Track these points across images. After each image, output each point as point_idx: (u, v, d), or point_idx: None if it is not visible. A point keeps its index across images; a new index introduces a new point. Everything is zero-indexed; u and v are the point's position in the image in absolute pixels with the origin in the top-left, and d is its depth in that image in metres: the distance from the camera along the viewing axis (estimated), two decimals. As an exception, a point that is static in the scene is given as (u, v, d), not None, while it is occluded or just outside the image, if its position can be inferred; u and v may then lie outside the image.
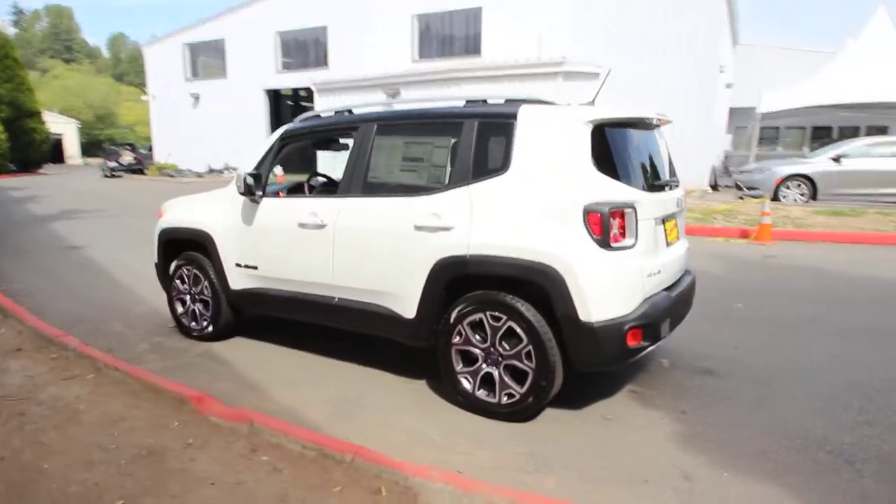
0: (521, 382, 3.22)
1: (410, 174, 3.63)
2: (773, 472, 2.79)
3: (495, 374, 3.29)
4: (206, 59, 27.28)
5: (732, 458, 2.92)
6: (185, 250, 4.73)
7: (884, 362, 4.15)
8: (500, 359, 3.27)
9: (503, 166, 3.25)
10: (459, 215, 3.30)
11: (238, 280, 4.36)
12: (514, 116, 3.26)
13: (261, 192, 4.13)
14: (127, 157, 27.98)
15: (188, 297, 4.75)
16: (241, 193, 4.11)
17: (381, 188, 3.72)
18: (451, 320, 3.37)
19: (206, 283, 4.57)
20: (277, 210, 4.12)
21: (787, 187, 12.60)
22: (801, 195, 12.51)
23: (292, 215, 3.98)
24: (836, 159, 12.36)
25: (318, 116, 4.22)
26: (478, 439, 3.11)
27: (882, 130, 24.95)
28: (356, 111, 4.02)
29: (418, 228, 3.42)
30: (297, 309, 4.12)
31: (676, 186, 3.74)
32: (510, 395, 3.25)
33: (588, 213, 3.00)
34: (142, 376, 3.67)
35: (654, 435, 3.17)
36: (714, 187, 17.96)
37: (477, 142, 3.34)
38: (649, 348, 3.19)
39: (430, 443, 3.08)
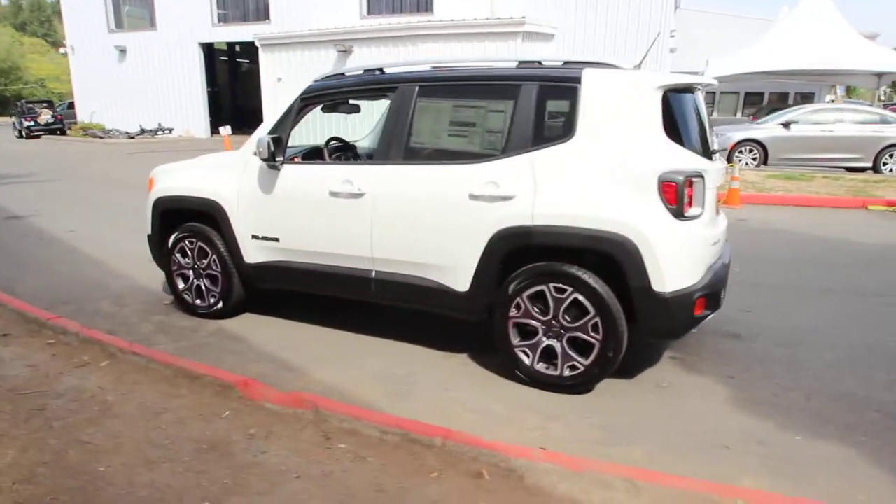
0: (585, 354, 3.18)
1: (460, 139, 3.44)
2: (837, 434, 2.90)
3: (557, 346, 3.23)
4: (133, 8, 25.09)
5: (794, 421, 3.01)
6: (186, 221, 4.35)
7: (890, 323, 4.40)
8: (562, 331, 3.21)
9: (568, 133, 3.13)
10: (521, 184, 3.16)
11: (255, 253, 4.06)
12: (577, 80, 3.12)
13: (281, 158, 3.81)
14: (45, 116, 25.58)
15: (191, 273, 4.39)
16: (263, 159, 3.78)
17: (427, 154, 3.51)
18: (510, 293, 3.27)
19: (214, 257, 4.23)
20: (303, 177, 3.83)
21: (741, 152, 13.11)
22: (753, 159, 13.06)
23: (322, 183, 3.71)
24: (786, 125, 12.94)
25: (343, 75, 3.92)
26: (545, 413, 3.07)
27: (809, 97, 26.41)
28: (389, 70, 3.75)
29: (474, 198, 3.26)
30: (325, 283, 3.89)
31: (718, 155, 3.74)
32: (573, 368, 3.21)
33: (663, 182, 2.94)
34: (172, 361, 3.38)
35: (713, 401, 3.23)
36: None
37: (537, 106, 3.19)
38: (710, 316, 3.22)
39: (499, 419, 3.01)
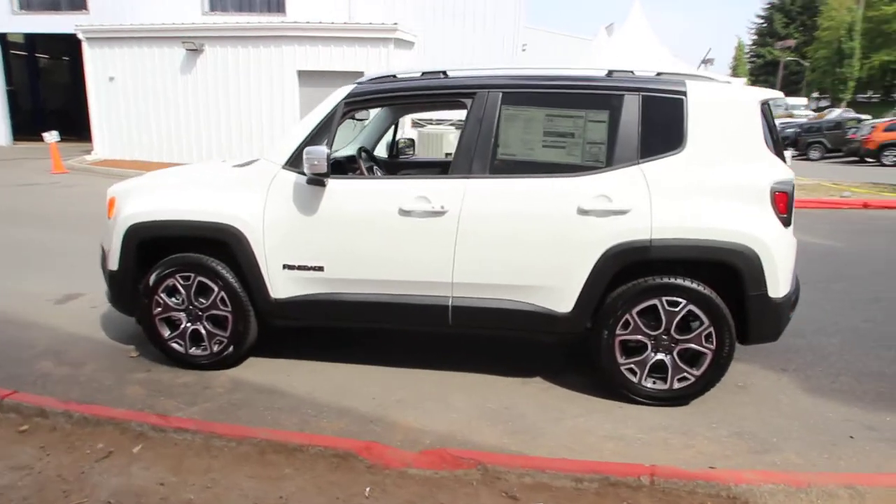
0: (695, 365, 3.18)
1: (557, 151, 3.21)
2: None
3: (667, 360, 3.18)
4: None
5: (870, 402, 3.32)
6: (176, 251, 3.48)
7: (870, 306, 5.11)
8: (672, 344, 3.17)
9: (677, 144, 3.09)
10: (635, 197, 3.05)
11: (286, 286, 3.38)
12: (682, 93, 3.11)
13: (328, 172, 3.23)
14: None
15: (184, 315, 3.53)
16: (317, 175, 3.16)
17: (518, 167, 3.21)
18: (618, 310, 3.14)
19: (221, 294, 3.44)
20: (360, 194, 3.28)
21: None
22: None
23: (388, 201, 3.22)
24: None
25: (395, 77, 3.44)
26: (677, 430, 3.00)
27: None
28: (454, 74, 3.37)
29: (583, 213, 3.07)
30: (382, 317, 3.38)
31: None
32: (684, 379, 3.19)
33: (776, 192, 3.05)
34: (246, 434, 2.64)
35: (795, 395, 3.43)
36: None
37: (643, 117, 3.11)
38: (789, 318, 3.42)
39: (642, 443, 2.87)
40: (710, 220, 3.02)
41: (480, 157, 3.20)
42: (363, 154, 3.98)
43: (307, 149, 3.14)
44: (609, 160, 3.14)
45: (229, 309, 3.47)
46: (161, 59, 15.14)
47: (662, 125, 3.13)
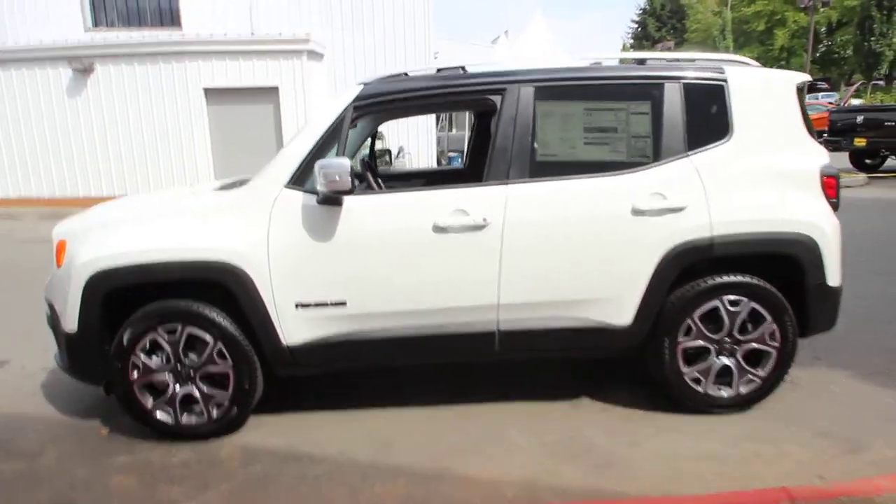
0: (760, 365, 3.00)
1: (600, 148, 2.91)
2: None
3: (731, 364, 2.98)
4: None
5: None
6: (152, 300, 2.85)
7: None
8: (735, 346, 2.97)
9: (724, 133, 2.90)
10: (690, 192, 2.83)
11: (301, 329, 2.85)
12: (723, 79, 2.93)
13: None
14: None
15: (170, 377, 2.89)
16: (337, 192, 2.66)
17: (560, 168, 2.89)
18: (678, 316, 2.90)
19: (217, 347, 2.85)
20: (383, 212, 2.82)
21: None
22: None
23: (418, 217, 2.79)
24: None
25: (407, 75, 3.01)
26: (760, 439, 2.79)
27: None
28: (473, 69, 2.99)
29: (638, 213, 2.80)
30: (419, 351, 2.94)
31: None
32: (750, 382, 3.00)
33: (825, 177, 2.93)
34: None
35: (848, 382, 3.34)
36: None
37: (686, 107, 2.89)
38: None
39: (737, 459, 2.63)
40: (768, 211, 2.85)
41: (518, 159, 2.84)
42: (367, 166, 3.50)
43: (321, 162, 2.64)
44: (656, 154, 2.89)
45: (229, 363, 2.87)
46: (44, 83, 13.54)
47: (707, 114, 2.94)
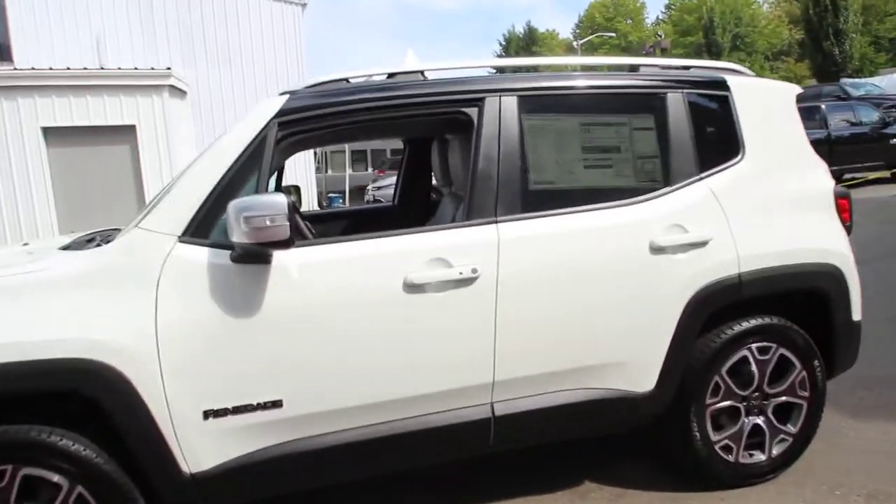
0: (791, 421, 2.53)
1: (603, 172, 2.31)
2: None
3: (762, 423, 2.48)
4: None
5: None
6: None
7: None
8: (765, 401, 2.48)
9: (735, 151, 2.45)
10: (712, 221, 2.32)
11: (213, 446, 1.91)
12: (724, 86, 2.50)
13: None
14: None
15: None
16: (254, 247, 1.79)
17: (559, 198, 2.25)
18: (705, 373, 2.36)
19: (75, 493, 1.82)
20: (330, 269, 1.98)
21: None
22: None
23: (383, 272, 2.00)
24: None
25: (348, 81, 2.22)
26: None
27: (402, 151, 30.62)
28: (433, 75, 2.29)
29: (657, 250, 2.24)
30: (388, 456, 2.10)
31: None
32: (782, 442, 2.51)
33: (838, 198, 2.58)
34: None
35: (859, 425, 2.96)
36: (322, 207, 18.51)
37: (694, 121, 2.41)
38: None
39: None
40: (793, 240, 2.43)
41: (508, 189, 2.17)
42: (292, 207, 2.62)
43: (239, 203, 1.77)
44: (667, 177, 2.37)
45: (101, 513, 1.84)
46: None
47: (715, 129, 2.49)
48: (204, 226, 1.95)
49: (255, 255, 1.88)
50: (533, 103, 2.27)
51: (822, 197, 2.55)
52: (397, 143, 30.78)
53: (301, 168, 16.48)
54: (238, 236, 1.79)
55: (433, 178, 3.52)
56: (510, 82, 2.25)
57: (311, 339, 1.94)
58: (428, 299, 2.03)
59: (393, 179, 17.11)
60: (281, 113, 2.06)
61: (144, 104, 12.71)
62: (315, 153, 20.50)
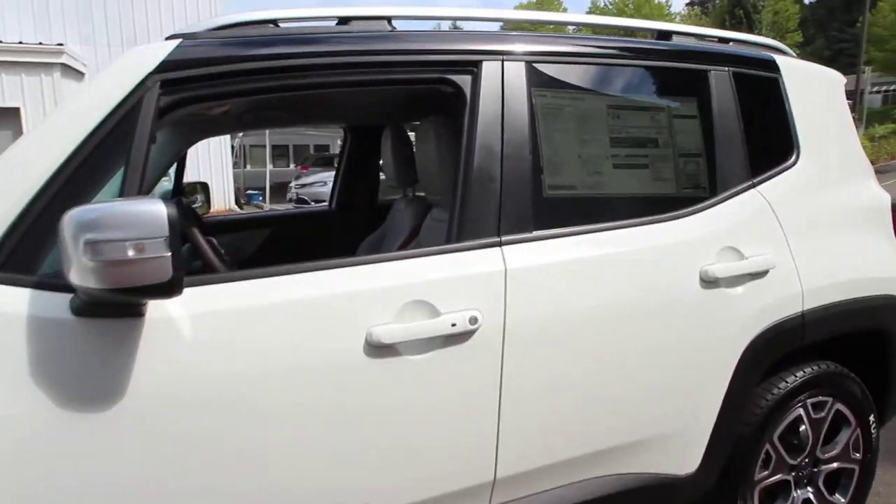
0: (840, 489, 2.02)
1: (637, 174, 1.68)
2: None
3: (812, 496, 1.96)
4: None
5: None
6: None
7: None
8: (815, 469, 1.96)
9: (788, 151, 1.90)
10: (771, 242, 1.76)
11: None
12: (774, 67, 1.94)
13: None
14: None
15: None
16: (109, 293, 1.00)
17: (581, 209, 1.59)
18: (752, 442, 1.80)
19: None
20: (249, 322, 1.22)
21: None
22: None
23: (332, 324, 1.27)
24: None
25: (276, 25, 1.45)
26: None
27: (325, 148, 29.43)
28: (400, 25, 1.56)
29: (709, 283, 1.63)
30: None
31: None
32: (835, 515, 2.01)
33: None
34: None
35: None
36: (241, 205, 17.18)
37: (742, 109, 1.83)
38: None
39: None
40: (855, 267, 1.91)
41: (515, 196, 1.49)
42: (188, 216, 1.76)
43: (81, 214, 0.99)
44: (713, 183, 1.77)
45: None
46: None
47: (765, 119, 1.92)
48: (24, 253, 1.14)
49: (112, 307, 1.10)
50: (549, 74, 1.60)
51: (879, 212, 2.05)
52: (321, 138, 29.43)
53: (216, 160, 15.20)
54: (79, 274, 1.00)
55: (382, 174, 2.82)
56: (519, 42, 1.57)
57: (210, 445, 1.18)
58: (402, 365, 1.31)
59: (318, 176, 16.20)
60: (164, 67, 1.26)
61: (31, 84, 11.09)
62: (232, 146, 19.06)
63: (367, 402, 1.29)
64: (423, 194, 2.25)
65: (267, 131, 17.09)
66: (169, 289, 1.01)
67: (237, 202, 16.98)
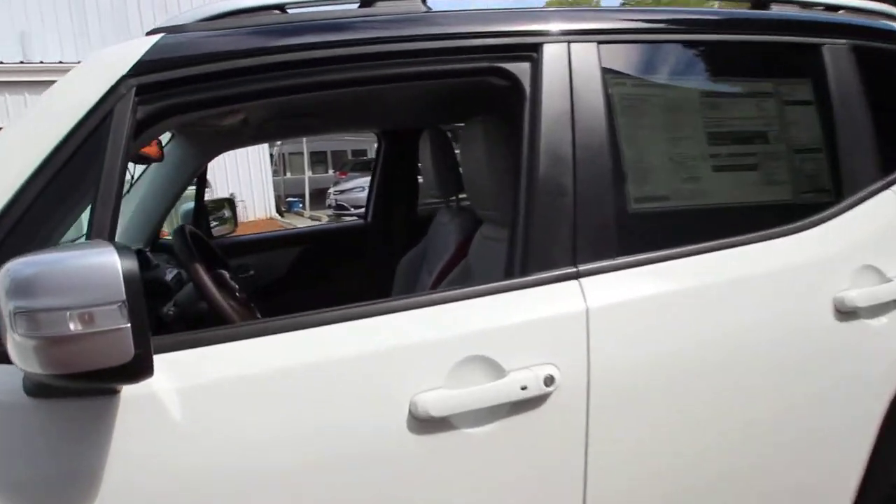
0: None
1: (743, 176, 1.34)
2: None
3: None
4: None
5: None
6: None
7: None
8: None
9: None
10: (914, 257, 1.38)
11: None
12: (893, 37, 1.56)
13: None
14: None
15: None
16: (59, 378, 0.73)
17: (676, 227, 1.26)
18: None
19: None
20: (243, 401, 0.93)
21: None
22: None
23: (364, 396, 0.97)
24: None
25: (284, 11, 1.16)
26: None
27: (363, 153, 29.44)
28: (436, 3, 1.26)
29: (846, 315, 1.27)
30: None
31: None
32: None
33: None
34: None
35: None
36: (282, 213, 17.27)
37: (866, 93, 1.46)
38: None
39: None
40: None
41: (593, 214, 1.16)
42: (196, 248, 1.50)
43: (14, 270, 0.72)
44: (838, 184, 1.40)
45: None
46: None
47: (886, 104, 1.54)
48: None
49: (73, 387, 0.83)
50: (627, 56, 1.26)
51: None
52: (359, 143, 29.51)
53: (256, 170, 15.30)
54: (16, 354, 0.73)
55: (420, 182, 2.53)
56: (587, 18, 1.24)
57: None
58: (460, 441, 1.00)
59: (357, 182, 16.11)
60: (140, 68, 0.98)
61: (31, 102, 11.28)
62: (271, 155, 19.22)
63: (415, 496, 0.98)
64: (467, 203, 1.95)
65: (304, 139, 17.11)
66: (132, 372, 0.72)
67: (278, 210, 17.06)
